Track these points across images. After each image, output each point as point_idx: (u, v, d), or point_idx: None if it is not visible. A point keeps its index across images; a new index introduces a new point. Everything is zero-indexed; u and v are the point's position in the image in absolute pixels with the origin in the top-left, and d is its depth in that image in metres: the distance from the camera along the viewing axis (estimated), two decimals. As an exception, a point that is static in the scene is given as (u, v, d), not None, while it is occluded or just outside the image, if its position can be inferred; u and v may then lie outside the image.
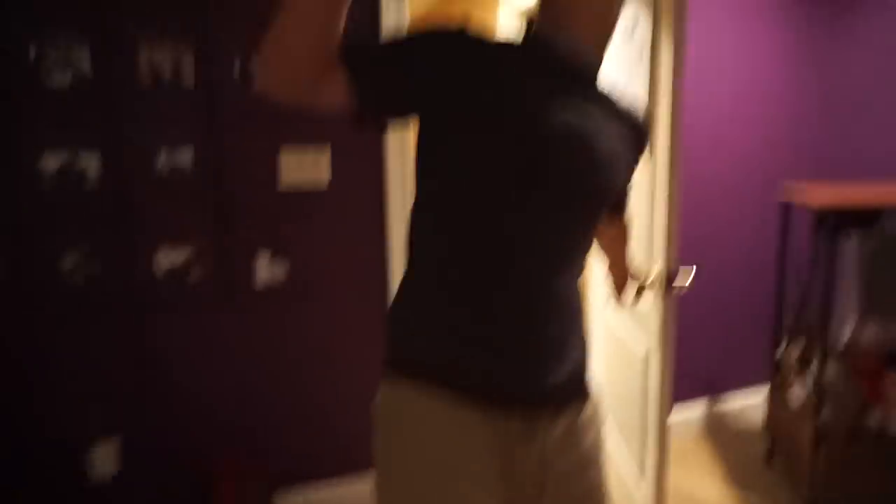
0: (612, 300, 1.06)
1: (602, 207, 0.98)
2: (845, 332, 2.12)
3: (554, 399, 0.92)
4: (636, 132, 1.04)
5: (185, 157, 1.93)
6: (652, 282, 1.34)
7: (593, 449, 1.00)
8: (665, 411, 1.90)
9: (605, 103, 0.98)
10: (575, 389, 0.96)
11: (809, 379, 2.18)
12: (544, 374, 0.90)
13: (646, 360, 1.98)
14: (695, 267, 2.59)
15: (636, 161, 1.07)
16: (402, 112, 0.90)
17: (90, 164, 1.84)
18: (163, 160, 1.91)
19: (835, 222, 2.01)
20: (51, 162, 1.80)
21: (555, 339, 0.91)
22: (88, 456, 1.95)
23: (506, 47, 0.90)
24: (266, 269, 2.07)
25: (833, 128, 2.82)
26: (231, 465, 2.04)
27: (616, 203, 1.17)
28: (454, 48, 0.86)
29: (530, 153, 0.86)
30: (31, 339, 1.87)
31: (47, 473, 1.93)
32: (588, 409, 0.99)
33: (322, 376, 2.20)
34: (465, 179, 0.89)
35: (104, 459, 1.96)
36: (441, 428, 0.88)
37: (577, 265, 0.97)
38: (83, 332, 1.91)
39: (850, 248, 2.12)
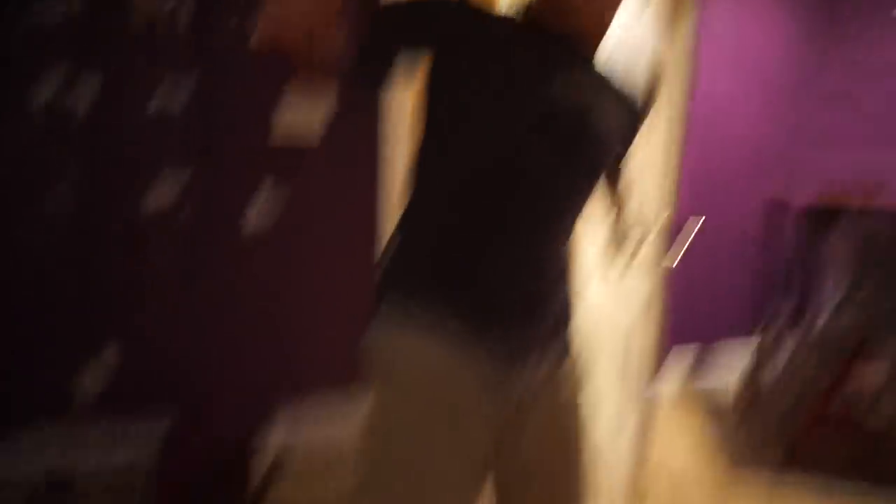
0: (610, 251, 1.08)
1: (594, 179, 1.03)
2: (822, 316, 2.28)
3: (536, 348, 0.94)
4: (632, 110, 1.08)
5: (174, 100, 1.97)
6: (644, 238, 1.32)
7: (572, 401, 1.01)
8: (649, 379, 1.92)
9: (602, 80, 1.03)
10: (558, 342, 0.98)
11: (779, 362, 2.37)
12: (529, 324, 0.91)
13: (627, 336, 1.97)
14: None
15: (631, 137, 1.12)
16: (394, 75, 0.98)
17: (79, 102, 1.86)
18: (153, 102, 1.94)
19: (818, 218, 2.16)
20: (42, 95, 1.82)
21: (542, 292, 0.93)
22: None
23: (505, 21, 0.98)
24: (256, 212, 2.13)
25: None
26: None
27: (610, 176, 1.19)
28: (455, 19, 0.94)
29: (529, 123, 0.92)
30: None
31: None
32: (569, 363, 1.00)
33: (309, 322, 2.29)
34: (466, 135, 0.94)
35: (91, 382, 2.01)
36: (428, 370, 0.91)
37: (568, 227, 1.01)
38: (74, 265, 1.94)
39: (833, 242, 2.27)
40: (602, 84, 1.03)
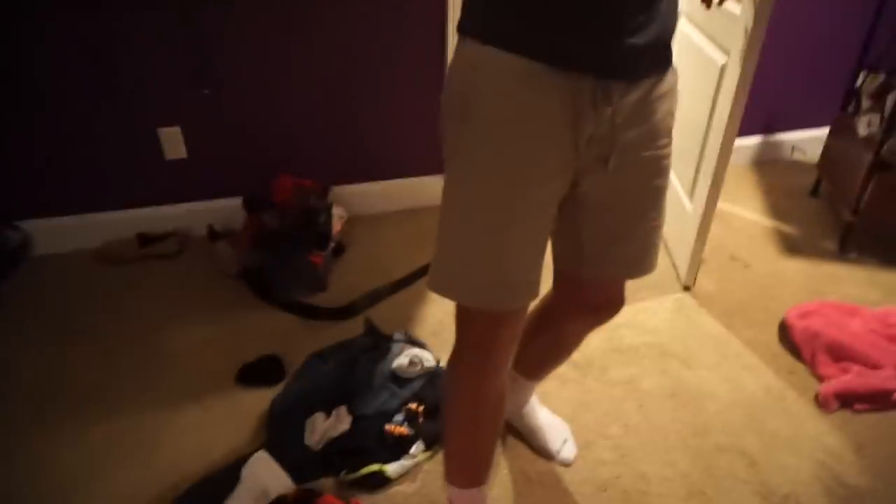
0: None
1: None
2: None
3: (632, 64, 0.88)
4: None
5: None
6: None
7: (664, 122, 0.97)
8: (733, 131, 1.84)
9: None
10: (656, 58, 0.91)
11: (882, 110, 2.24)
12: (625, 37, 0.84)
13: (720, 73, 1.90)
14: None
15: None
16: None
17: None
18: None
19: None
20: None
21: (639, 4, 0.84)
22: (158, 140, 2.17)
23: None
24: None
25: None
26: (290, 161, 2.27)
27: None
28: None
29: None
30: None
31: (129, 152, 2.17)
32: (667, 82, 0.95)
33: (375, 89, 2.29)
34: None
35: (172, 144, 2.18)
36: (516, 88, 0.87)
37: None
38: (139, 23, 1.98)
39: None
40: None
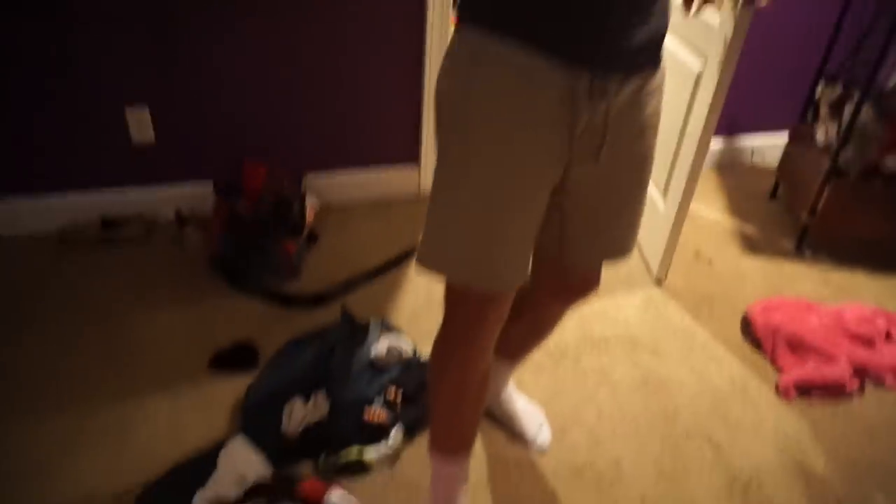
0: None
1: None
2: (891, 78, 2.24)
3: (627, 61, 0.91)
4: None
5: None
6: None
7: (654, 117, 1.01)
8: (708, 137, 1.91)
9: None
10: (649, 56, 0.95)
11: (840, 120, 2.35)
12: (622, 35, 0.87)
13: (696, 80, 1.95)
14: None
15: None
16: None
17: None
18: None
19: None
20: None
21: (638, 2, 0.87)
22: (125, 121, 2.09)
23: None
24: None
25: None
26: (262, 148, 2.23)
27: None
28: None
29: None
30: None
31: (95, 135, 2.09)
32: (657, 79, 0.98)
33: (351, 77, 2.27)
34: None
35: (140, 126, 2.11)
36: (516, 82, 0.89)
37: None
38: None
39: None
40: None
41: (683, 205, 2.02)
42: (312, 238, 2.19)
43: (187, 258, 2.07)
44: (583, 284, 1.24)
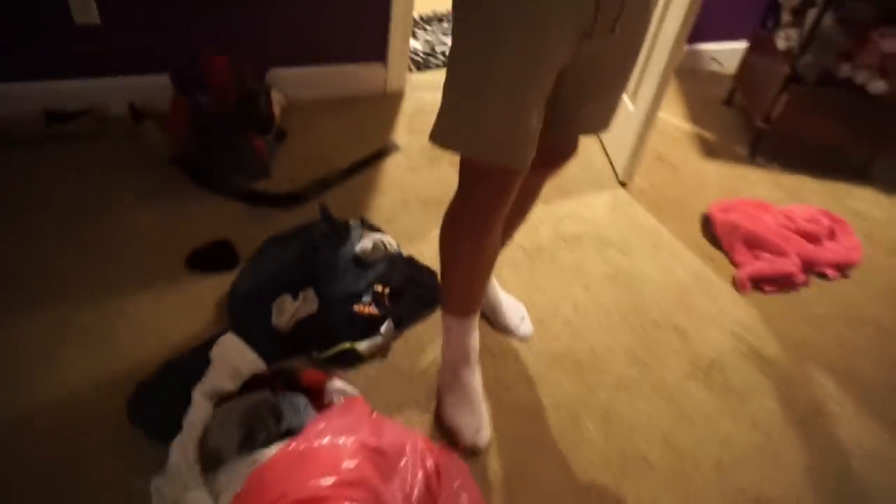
0: None
1: None
2: None
3: None
4: None
5: None
6: None
7: (651, 15, 1.07)
8: (682, 40, 1.92)
9: None
10: None
11: (802, 26, 2.39)
12: None
13: None
14: None
15: None
16: None
17: None
18: None
19: None
20: None
21: None
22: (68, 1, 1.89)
23: None
24: None
25: None
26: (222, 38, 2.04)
27: None
28: None
29: None
30: None
31: (31, 14, 1.89)
32: None
33: None
34: None
35: (84, 6, 1.91)
36: None
37: None
38: None
39: None
40: None
41: (654, 107, 2.05)
42: (281, 135, 2.10)
43: (146, 156, 1.95)
44: (564, 153, 1.30)
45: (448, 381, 1.41)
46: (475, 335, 1.40)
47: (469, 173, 1.10)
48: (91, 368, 1.38)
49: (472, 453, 1.34)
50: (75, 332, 1.45)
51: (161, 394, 1.35)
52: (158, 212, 1.79)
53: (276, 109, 2.05)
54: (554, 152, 1.28)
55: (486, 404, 1.42)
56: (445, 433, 1.37)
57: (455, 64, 0.99)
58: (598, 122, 1.20)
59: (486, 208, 1.13)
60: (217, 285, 1.60)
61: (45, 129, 1.95)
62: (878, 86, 2.34)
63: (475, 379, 1.41)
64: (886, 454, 1.50)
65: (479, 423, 1.36)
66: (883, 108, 2.37)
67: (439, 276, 1.36)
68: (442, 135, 1.03)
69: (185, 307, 1.55)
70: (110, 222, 1.73)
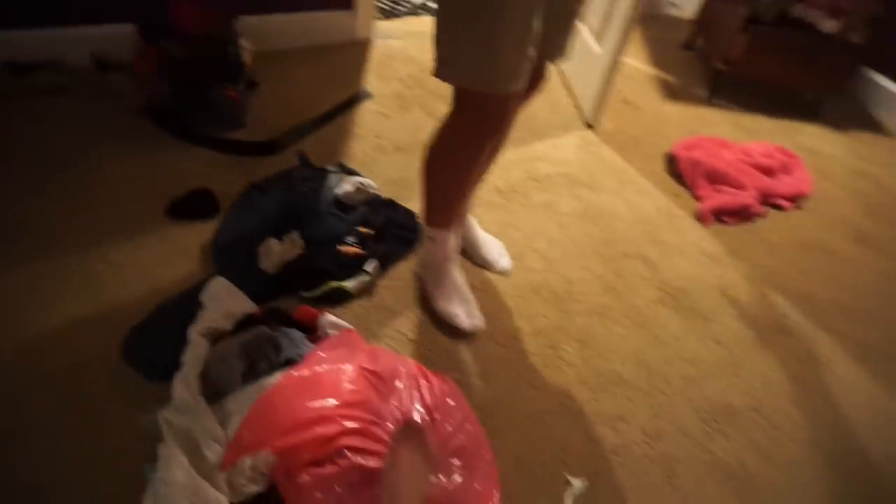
0: None
1: None
2: None
3: None
4: None
5: None
6: None
7: None
8: None
9: None
10: None
11: None
12: None
13: None
14: None
15: None
16: None
17: None
18: None
19: None
20: None
21: None
22: None
23: None
24: None
25: None
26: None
27: None
28: None
29: None
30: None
31: None
32: None
33: None
34: None
35: None
36: None
37: None
38: None
39: None
40: None
41: (619, 49, 2.11)
42: (252, 85, 2.08)
43: (115, 107, 1.92)
44: (536, 81, 1.38)
45: (434, 278, 1.54)
46: (455, 239, 1.53)
47: (468, 102, 1.16)
48: (80, 315, 1.40)
49: (470, 335, 1.49)
50: (60, 281, 1.45)
51: (155, 336, 1.38)
52: (134, 162, 1.78)
53: (247, 58, 2.03)
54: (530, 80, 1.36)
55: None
56: (442, 323, 1.50)
57: (455, 6, 1.05)
58: (563, 48, 1.30)
59: (483, 133, 1.21)
60: (200, 232, 1.61)
61: (9, 81, 1.90)
62: (828, 25, 2.44)
63: (460, 274, 1.56)
64: (835, 361, 1.64)
65: (472, 308, 1.51)
66: (832, 47, 2.48)
67: (425, 195, 1.44)
68: (447, 70, 1.10)
69: (169, 255, 1.56)
70: (86, 174, 1.71)
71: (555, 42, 1.27)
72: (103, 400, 1.26)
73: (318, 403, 1.12)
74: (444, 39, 1.08)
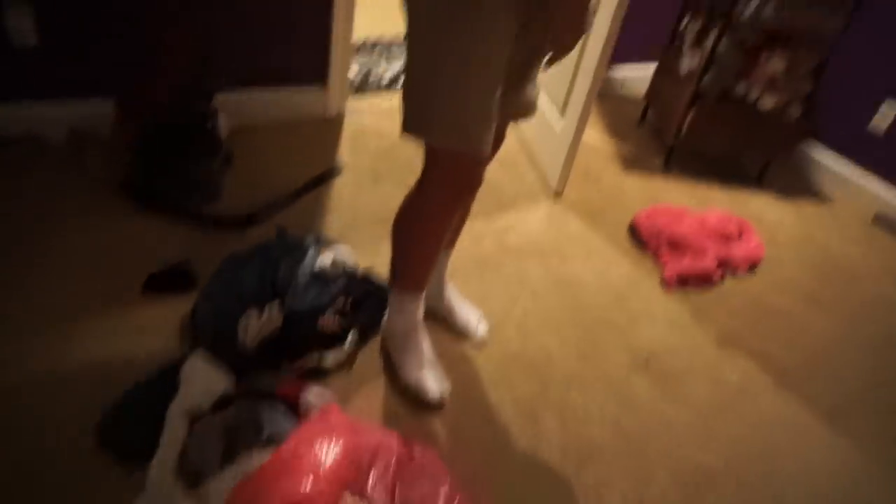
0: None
1: None
2: (750, 8, 2.51)
3: None
4: None
5: None
6: None
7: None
8: (606, 56, 2.13)
9: None
10: None
11: (702, 50, 2.67)
12: None
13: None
14: None
15: None
16: None
17: None
18: None
19: None
20: None
21: None
22: (4, 22, 1.86)
23: None
24: None
25: None
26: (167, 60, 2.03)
27: None
28: None
29: None
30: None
31: None
32: None
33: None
34: None
35: (22, 27, 1.89)
36: None
37: None
38: None
39: None
40: None
41: (582, 120, 2.23)
42: (228, 159, 2.12)
43: (90, 182, 1.92)
44: (498, 140, 1.43)
45: (402, 346, 1.55)
46: (422, 305, 1.57)
47: (437, 163, 1.22)
48: (52, 397, 1.36)
49: (439, 406, 1.50)
50: (29, 362, 1.41)
51: (131, 417, 1.35)
52: (109, 238, 1.77)
53: (224, 133, 2.07)
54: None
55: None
56: (411, 394, 1.51)
57: (419, 59, 1.12)
58: (528, 108, 1.37)
59: (454, 195, 1.26)
60: (177, 308, 1.60)
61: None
62: (768, 102, 2.65)
63: (427, 341, 1.57)
64: (802, 421, 1.71)
65: (440, 376, 1.52)
66: (773, 121, 2.68)
67: (394, 259, 1.49)
68: (413, 126, 1.16)
69: (146, 331, 1.54)
70: (60, 249, 1.70)
71: (517, 100, 1.32)
72: (74, 488, 1.22)
73: (299, 485, 1.11)
74: (411, 97, 1.15)
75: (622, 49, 3.24)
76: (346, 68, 2.51)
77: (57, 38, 1.93)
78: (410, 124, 1.16)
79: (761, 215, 2.63)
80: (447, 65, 1.10)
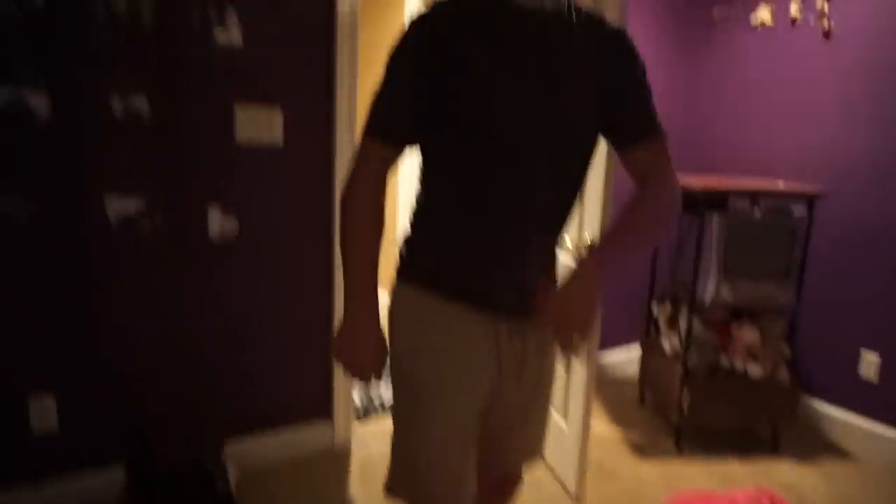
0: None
1: (576, 157, 1.17)
2: (708, 292, 2.71)
3: (533, 314, 1.15)
4: (612, 44, 1.14)
5: (138, 104, 1.94)
6: None
7: (554, 357, 1.34)
8: (592, 365, 2.24)
9: (569, 35, 1.09)
10: None
11: (678, 332, 2.84)
12: (528, 296, 1.13)
13: None
14: None
15: (625, 75, 1.14)
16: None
17: (39, 103, 1.80)
18: (116, 105, 1.90)
19: (698, 203, 2.67)
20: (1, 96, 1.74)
21: (536, 272, 1.17)
22: (28, 410, 1.94)
23: (464, 11, 1.06)
24: (217, 224, 2.16)
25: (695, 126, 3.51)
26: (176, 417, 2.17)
27: (625, 130, 1.20)
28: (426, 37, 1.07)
29: (489, 137, 1.07)
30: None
31: None
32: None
33: (269, 331, 2.36)
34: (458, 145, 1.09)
35: (44, 414, 1.97)
36: (450, 320, 1.14)
37: (556, 220, 1.20)
38: (26, 276, 1.88)
39: (712, 225, 2.70)
40: (571, 39, 1.12)
41: (585, 422, 2.28)
42: (238, 515, 2.07)
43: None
44: (512, 482, 1.45)
45: None
46: None
47: None
48: None
49: None
50: None
51: None
52: None
53: (233, 486, 2.06)
54: (502, 484, 1.44)
55: None
56: None
57: (398, 430, 1.21)
58: (531, 449, 1.39)
59: None
60: None
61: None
62: (754, 369, 2.76)
63: None
64: None
65: None
66: (765, 387, 2.75)
67: None
68: (392, 487, 1.21)
69: None
70: None
71: (520, 444, 1.36)
72: None
73: None
74: (392, 457, 1.23)
75: (608, 335, 3.49)
76: (350, 397, 2.62)
77: (75, 420, 2.03)
78: (387, 485, 1.23)
79: (789, 484, 2.53)
80: (412, 431, 1.19)
